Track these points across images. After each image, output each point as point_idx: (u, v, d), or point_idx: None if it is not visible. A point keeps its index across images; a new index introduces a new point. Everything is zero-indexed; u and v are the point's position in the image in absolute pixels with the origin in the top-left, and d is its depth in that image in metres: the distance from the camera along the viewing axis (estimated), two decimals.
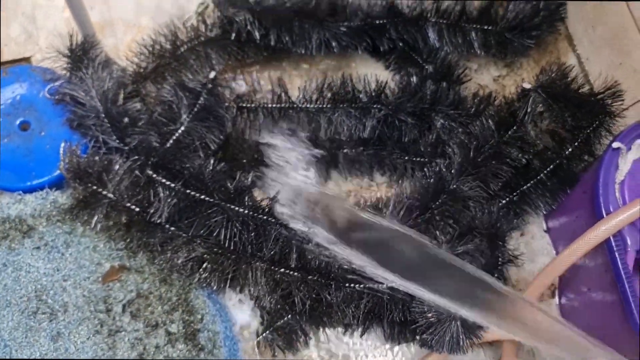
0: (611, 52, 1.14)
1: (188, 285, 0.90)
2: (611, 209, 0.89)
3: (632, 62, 1.09)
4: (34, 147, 0.94)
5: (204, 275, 0.87)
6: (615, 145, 0.91)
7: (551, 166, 1.04)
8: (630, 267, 0.87)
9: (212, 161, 0.87)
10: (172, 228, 0.86)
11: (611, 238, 0.87)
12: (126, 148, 0.88)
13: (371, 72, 1.16)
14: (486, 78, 1.20)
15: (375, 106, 1.03)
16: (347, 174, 1.07)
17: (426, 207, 0.93)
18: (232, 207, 0.86)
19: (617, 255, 0.87)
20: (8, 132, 0.94)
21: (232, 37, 1.04)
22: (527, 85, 1.01)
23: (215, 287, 0.88)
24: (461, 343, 0.87)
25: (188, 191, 0.85)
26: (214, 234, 0.86)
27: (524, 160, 1.02)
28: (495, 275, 0.97)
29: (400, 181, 1.08)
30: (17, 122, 0.95)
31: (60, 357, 0.80)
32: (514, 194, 1.04)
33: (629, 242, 0.88)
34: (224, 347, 0.90)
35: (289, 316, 0.94)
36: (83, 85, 0.89)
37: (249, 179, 0.90)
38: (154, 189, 0.84)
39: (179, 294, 0.90)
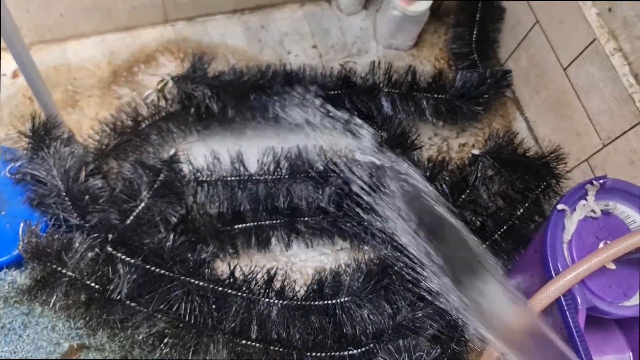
0: (555, 116, 1.21)
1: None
2: (560, 269, 0.93)
3: (574, 125, 1.15)
4: None
5: (165, 350, 0.87)
6: (559, 207, 0.95)
7: (504, 227, 1.08)
8: (582, 325, 0.90)
9: (172, 236, 0.89)
10: (133, 304, 0.87)
11: (561, 298, 0.90)
12: (87, 225, 0.89)
13: (329, 141, 1.20)
14: (440, 143, 1.26)
15: (332, 175, 1.07)
16: (309, 241, 1.09)
17: (384, 274, 0.96)
18: (192, 280, 0.87)
19: (568, 315, 0.89)
20: None
21: (192, 112, 1.07)
22: (476, 152, 1.07)
23: None
24: None
25: (148, 266, 0.86)
26: (175, 308, 0.87)
27: (478, 222, 1.06)
28: (456, 339, 0.99)
29: (360, 245, 1.11)
30: None
31: None
32: None
33: (579, 300, 0.90)
34: None
35: None
36: (44, 165, 0.91)
37: (209, 252, 0.91)
38: (113, 265, 0.85)
39: None
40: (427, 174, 1.11)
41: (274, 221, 1.06)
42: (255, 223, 1.05)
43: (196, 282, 0.87)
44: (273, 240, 1.07)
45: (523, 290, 1.11)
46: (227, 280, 0.92)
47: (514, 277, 1.14)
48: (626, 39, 1.02)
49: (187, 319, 0.87)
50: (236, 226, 1.04)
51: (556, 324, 0.96)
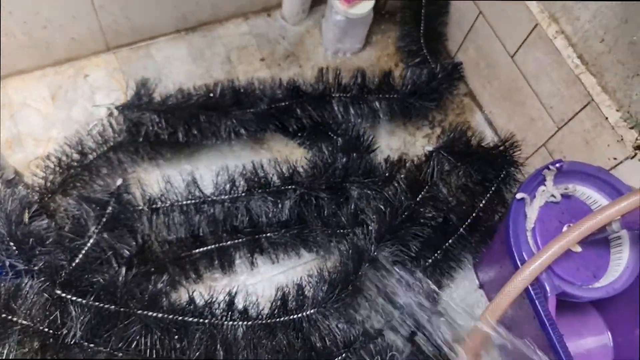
0: (510, 104, 1.20)
1: None
2: (526, 258, 0.91)
3: (528, 111, 1.15)
4: None
5: None
6: (519, 196, 0.94)
7: (468, 220, 1.07)
8: (553, 312, 0.89)
9: (124, 270, 0.86)
10: (91, 345, 0.83)
11: (529, 288, 0.89)
12: (35, 269, 0.85)
13: (285, 152, 1.19)
14: (396, 143, 1.24)
15: (289, 187, 1.05)
16: (274, 257, 1.07)
17: (348, 280, 0.93)
18: (149, 313, 0.84)
19: (537, 304, 0.88)
20: None
21: (141, 139, 1.05)
22: (429, 148, 1.05)
23: None
24: None
25: (101, 305, 0.83)
26: (134, 345, 0.84)
27: (440, 218, 1.05)
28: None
29: (326, 255, 1.09)
30: None
31: None
32: (438, 252, 1.06)
33: (547, 288, 0.89)
34: None
35: None
36: None
37: (165, 281, 0.89)
38: (65, 308, 0.82)
39: None
40: (386, 174, 1.10)
41: (236, 241, 1.03)
42: (217, 245, 1.02)
43: (154, 314, 0.84)
44: (237, 260, 1.04)
45: (495, 281, 1.10)
46: (187, 308, 0.89)
47: (484, 269, 1.13)
48: (567, 21, 1.02)
49: (148, 354, 0.84)
50: (197, 250, 1.01)
51: (528, 314, 0.95)
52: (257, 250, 1.06)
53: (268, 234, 1.05)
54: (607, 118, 0.97)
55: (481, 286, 1.14)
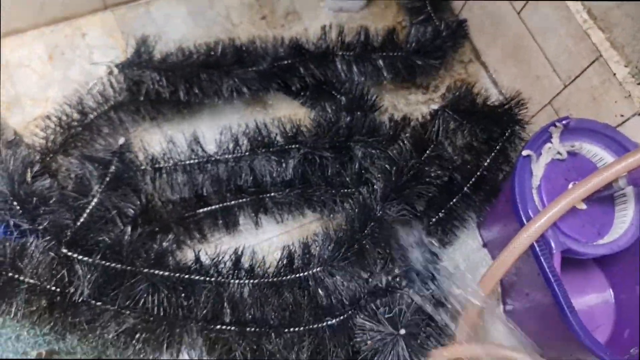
0: (515, 62, 1.18)
1: (125, 358, 0.87)
2: (531, 215, 0.91)
3: (534, 69, 1.13)
4: None
5: (138, 346, 0.85)
6: (525, 153, 0.94)
7: (473, 179, 1.06)
8: (558, 269, 0.89)
9: (129, 229, 0.85)
10: (98, 303, 0.83)
11: (535, 244, 0.89)
12: (40, 228, 0.85)
13: (287, 112, 1.17)
14: (400, 102, 1.23)
15: (293, 146, 1.04)
16: (278, 216, 1.06)
17: (354, 239, 0.93)
18: (156, 272, 0.84)
19: (543, 261, 0.88)
20: None
21: (142, 98, 1.03)
22: (434, 106, 1.04)
23: (151, 356, 0.85)
24: None
25: (107, 263, 0.83)
26: (142, 303, 0.84)
27: (445, 177, 1.04)
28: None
29: (331, 215, 1.09)
30: None
31: None
32: (442, 211, 1.06)
33: (552, 245, 0.89)
34: None
35: None
36: None
37: (170, 240, 0.88)
38: (71, 267, 0.82)
39: None
40: (390, 133, 1.09)
41: (240, 200, 1.03)
42: (221, 205, 1.02)
43: (160, 273, 0.84)
44: (241, 220, 1.04)
45: (498, 240, 1.10)
46: (194, 267, 0.89)
47: (487, 229, 1.13)
48: None
49: (155, 312, 0.84)
50: (201, 210, 1.01)
51: (533, 271, 0.95)
52: (261, 210, 1.05)
53: (272, 194, 1.04)
54: (615, 74, 0.96)
55: (485, 245, 1.14)
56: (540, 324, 1.02)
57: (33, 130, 1.03)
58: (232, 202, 1.03)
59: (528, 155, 0.94)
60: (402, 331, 0.85)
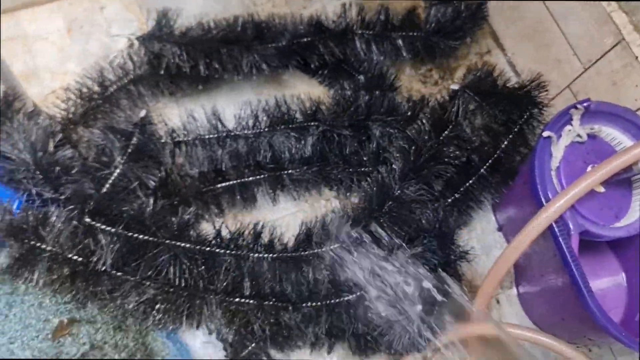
0: (534, 45, 1.18)
1: (145, 328, 0.89)
2: (550, 196, 0.92)
3: (554, 53, 1.13)
4: None
5: (158, 317, 0.85)
6: (545, 134, 0.94)
7: (490, 161, 1.06)
8: (576, 250, 0.90)
9: (151, 200, 0.86)
10: (119, 273, 0.84)
11: (554, 225, 0.89)
12: (61, 198, 0.85)
13: (305, 90, 1.17)
14: (418, 83, 1.23)
15: (312, 124, 1.04)
16: (295, 194, 1.07)
17: (371, 217, 0.94)
18: (178, 243, 0.85)
19: (561, 241, 0.89)
20: None
21: (162, 72, 1.03)
22: (455, 86, 1.04)
23: (171, 327, 0.86)
24: (423, 342, 0.88)
25: (130, 234, 0.83)
26: (163, 274, 0.84)
27: (463, 157, 1.05)
28: (451, 272, 0.99)
29: (347, 193, 1.09)
30: None
31: None
32: (458, 192, 1.06)
33: (571, 226, 0.90)
34: None
35: (252, 345, 0.92)
36: (9, 140, 0.86)
37: (191, 213, 0.89)
38: (94, 236, 0.82)
39: (135, 339, 0.88)
40: (408, 113, 1.09)
41: (258, 177, 1.03)
42: (239, 180, 1.02)
43: (182, 244, 0.85)
44: (258, 196, 1.04)
45: (514, 223, 1.10)
46: (214, 240, 0.89)
47: (503, 211, 1.13)
48: None
49: (176, 283, 0.84)
50: (219, 185, 1.01)
51: (549, 253, 0.96)
52: (279, 186, 1.06)
53: (290, 171, 1.04)
54: (637, 57, 0.96)
55: (500, 229, 1.15)
56: (553, 305, 1.03)
57: (53, 101, 1.03)
58: (250, 178, 1.03)
59: (548, 137, 0.94)
60: (419, 307, 0.86)
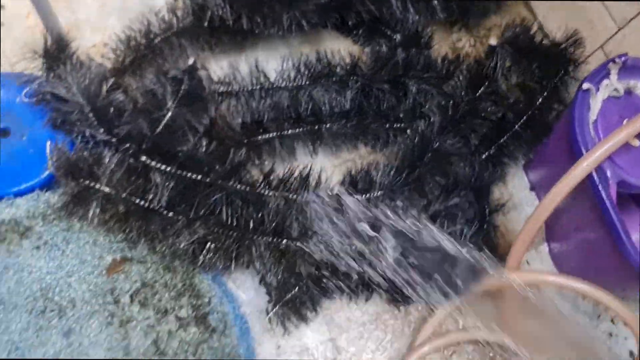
0: (566, 7, 1.19)
1: (192, 270, 0.91)
2: (589, 147, 0.93)
3: (586, 14, 1.14)
4: (17, 152, 0.93)
5: (208, 257, 0.88)
6: (585, 86, 0.96)
7: (524, 117, 1.08)
8: (614, 199, 0.92)
9: (204, 142, 0.88)
10: (171, 213, 0.86)
11: (593, 173, 0.91)
12: (114, 140, 0.87)
13: (342, 48, 1.18)
14: (453, 41, 1.24)
15: (352, 78, 1.06)
16: (333, 147, 1.09)
17: (414, 167, 0.96)
18: (230, 183, 0.87)
19: (601, 190, 0.91)
20: None
21: (205, 24, 1.04)
22: (493, 42, 1.06)
23: (220, 267, 0.88)
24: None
25: (185, 173, 0.85)
26: (215, 214, 0.86)
27: (499, 113, 1.07)
28: (485, 225, 1.01)
29: (384, 149, 1.11)
30: None
31: (75, 352, 0.79)
32: (493, 147, 1.08)
33: (609, 175, 0.92)
34: (235, 327, 0.90)
35: (296, 289, 0.94)
36: (63, 82, 0.88)
37: (242, 155, 0.91)
38: (149, 175, 0.84)
39: (183, 280, 0.90)
40: (444, 71, 1.10)
41: (298, 130, 1.05)
42: (279, 133, 1.04)
43: (235, 184, 0.87)
44: (298, 148, 1.06)
45: (547, 181, 1.12)
46: (263, 183, 0.91)
47: (536, 169, 1.15)
48: None
49: (228, 222, 0.86)
50: (260, 137, 1.03)
51: (584, 206, 0.98)
52: (318, 140, 1.07)
53: (328, 125, 1.06)
54: None
55: (532, 188, 1.17)
56: (587, 260, 1.05)
57: (100, 51, 1.05)
58: (290, 132, 1.05)
59: (587, 89, 0.96)
60: (465, 249, 0.88)
